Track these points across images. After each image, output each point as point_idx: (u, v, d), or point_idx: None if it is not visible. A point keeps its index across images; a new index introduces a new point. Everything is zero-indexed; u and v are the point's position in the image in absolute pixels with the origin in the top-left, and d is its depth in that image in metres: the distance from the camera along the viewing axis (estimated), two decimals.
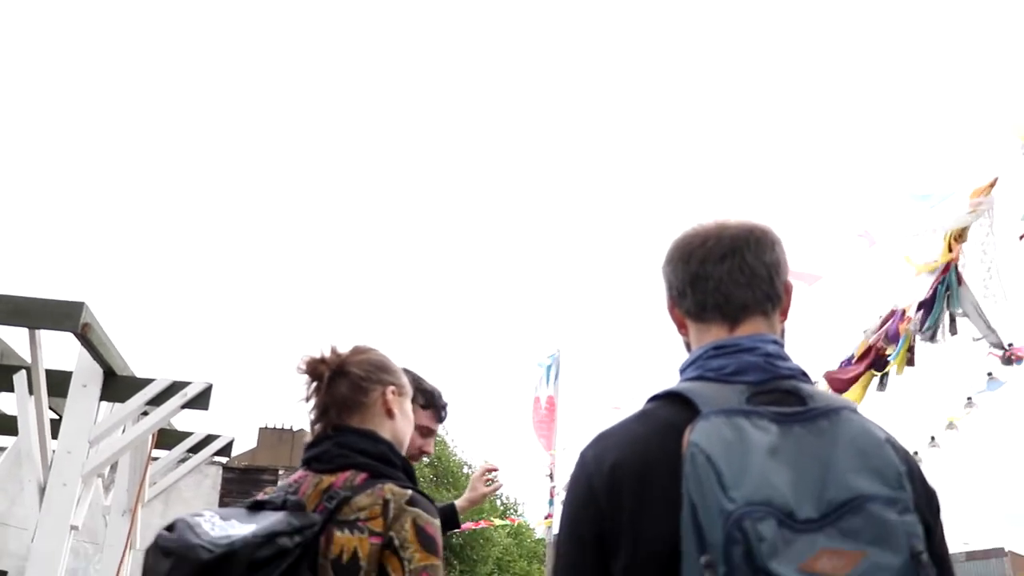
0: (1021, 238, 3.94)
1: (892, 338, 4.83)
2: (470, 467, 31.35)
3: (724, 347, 1.29)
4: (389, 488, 1.82)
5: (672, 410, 1.22)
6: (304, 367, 1.98)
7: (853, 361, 5.14)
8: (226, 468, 19.59)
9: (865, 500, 1.03)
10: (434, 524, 1.82)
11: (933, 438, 5.52)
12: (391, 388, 2.02)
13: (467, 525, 18.81)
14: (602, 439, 1.29)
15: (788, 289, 1.39)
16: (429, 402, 2.69)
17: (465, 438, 43.42)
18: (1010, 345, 4.60)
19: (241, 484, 18.61)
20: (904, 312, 4.78)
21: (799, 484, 1.04)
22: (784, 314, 1.40)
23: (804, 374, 1.28)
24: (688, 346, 1.42)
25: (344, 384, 1.97)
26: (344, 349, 2.05)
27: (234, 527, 1.68)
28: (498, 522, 20.00)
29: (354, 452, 1.90)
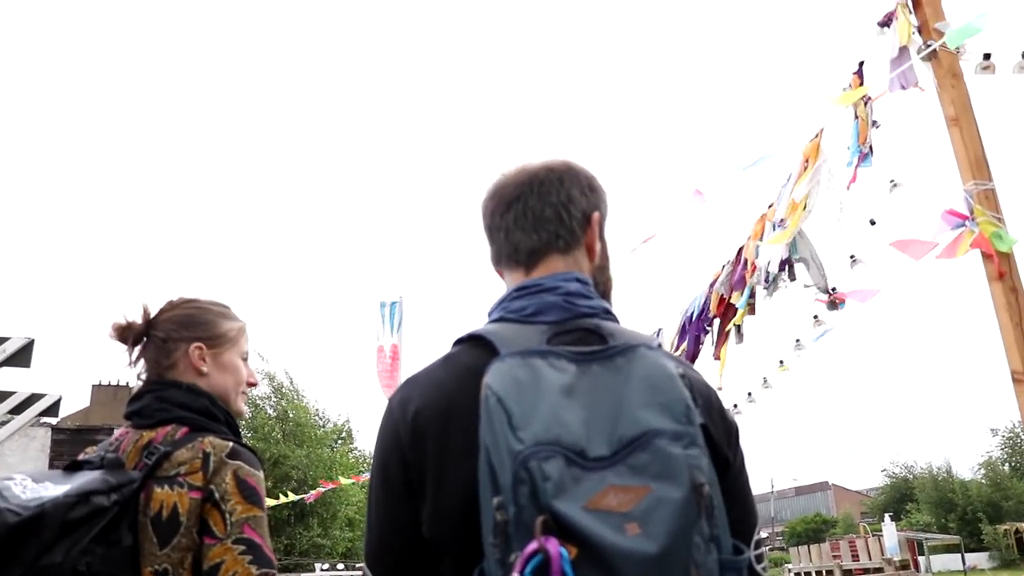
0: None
1: (737, 285, 5.09)
2: (321, 419, 30.98)
3: (526, 288, 1.29)
4: (209, 441, 1.79)
5: (474, 353, 1.22)
6: (113, 334, 1.95)
7: (710, 315, 5.40)
8: (55, 429, 18.46)
9: (653, 435, 1.03)
10: (256, 476, 1.79)
11: (765, 379, 5.83)
12: (195, 345, 1.96)
13: (315, 492, 18.62)
14: (407, 385, 1.28)
15: (592, 222, 1.38)
16: None
17: (316, 391, 42.81)
18: (833, 289, 4.91)
19: (73, 445, 17.61)
20: (748, 262, 5.02)
21: (592, 422, 1.04)
22: (591, 249, 1.38)
23: (607, 312, 1.28)
24: None
25: (151, 346, 1.96)
26: (156, 308, 2.01)
27: (47, 489, 1.61)
28: (345, 482, 20.52)
29: (174, 406, 1.86)
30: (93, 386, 26.55)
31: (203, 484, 1.72)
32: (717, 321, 5.60)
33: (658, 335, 6.56)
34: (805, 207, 4.39)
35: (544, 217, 1.34)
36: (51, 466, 17.34)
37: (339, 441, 32.07)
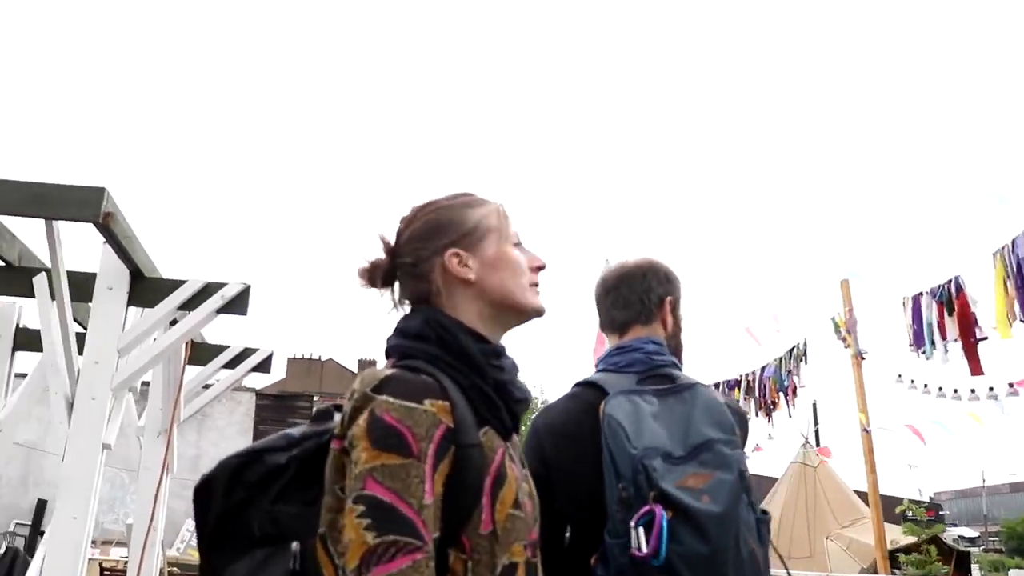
0: None
1: None
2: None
3: (621, 348, 1.90)
4: (366, 372, 1.31)
5: (590, 393, 1.80)
6: (362, 282, 1.51)
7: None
8: (259, 395, 19.37)
9: (713, 442, 1.64)
10: (403, 408, 1.24)
11: (992, 388, 5.24)
12: (450, 252, 1.47)
13: None
14: (546, 412, 1.89)
15: (663, 305, 1.96)
16: None
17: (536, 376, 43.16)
18: None
19: (276, 411, 18.40)
20: None
21: (672, 434, 1.64)
22: (664, 323, 1.96)
23: (675, 364, 1.86)
24: None
25: (405, 279, 1.50)
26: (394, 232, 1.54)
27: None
28: None
29: (393, 336, 1.44)
30: (288, 359, 27.95)
31: (342, 430, 1.28)
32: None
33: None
34: None
35: (630, 301, 1.96)
36: (256, 430, 18.20)
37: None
